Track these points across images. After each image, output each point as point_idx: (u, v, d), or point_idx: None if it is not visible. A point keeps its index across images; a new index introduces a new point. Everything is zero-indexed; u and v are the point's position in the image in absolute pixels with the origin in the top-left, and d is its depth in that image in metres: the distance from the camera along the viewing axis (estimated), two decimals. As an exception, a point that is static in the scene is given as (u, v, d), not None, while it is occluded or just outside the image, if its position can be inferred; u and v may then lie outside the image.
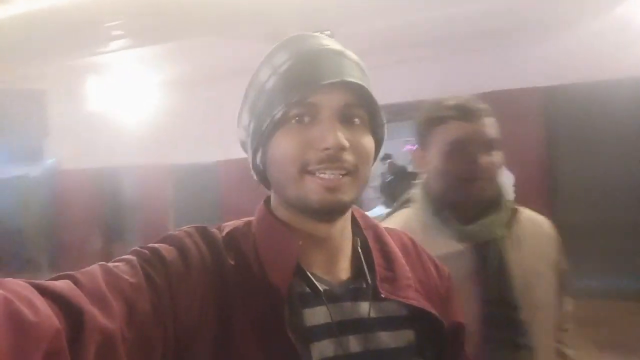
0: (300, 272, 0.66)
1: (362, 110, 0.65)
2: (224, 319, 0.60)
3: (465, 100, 1.13)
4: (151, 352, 0.54)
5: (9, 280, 0.47)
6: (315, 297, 0.65)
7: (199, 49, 3.90)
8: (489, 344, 1.06)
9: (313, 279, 0.66)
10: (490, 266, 1.08)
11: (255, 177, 0.72)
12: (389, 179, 5.79)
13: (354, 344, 0.65)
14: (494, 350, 1.06)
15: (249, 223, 0.71)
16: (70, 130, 4.82)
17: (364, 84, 0.63)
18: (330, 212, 0.65)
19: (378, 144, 0.69)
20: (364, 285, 0.69)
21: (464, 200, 1.11)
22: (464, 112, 1.10)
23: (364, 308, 0.67)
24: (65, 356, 0.45)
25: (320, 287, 0.65)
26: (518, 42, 3.67)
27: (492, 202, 1.13)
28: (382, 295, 0.67)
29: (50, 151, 5.65)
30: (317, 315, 0.64)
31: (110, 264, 0.58)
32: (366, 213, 0.80)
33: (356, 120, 0.64)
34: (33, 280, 0.49)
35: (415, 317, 0.69)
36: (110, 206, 5.40)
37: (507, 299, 1.07)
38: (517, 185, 3.74)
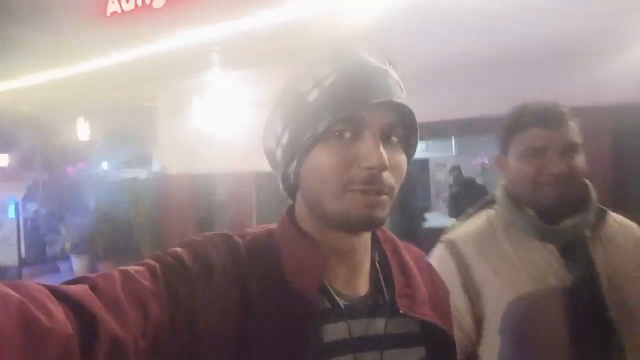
0: (321, 286, 0.65)
1: (401, 129, 0.66)
2: (244, 330, 0.59)
3: (546, 105, 1.12)
4: (166, 358, 0.53)
5: (28, 284, 0.46)
6: (335, 313, 0.64)
7: (283, 73, 4.52)
8: (580, 343, 1.04)
9: (335, 295, 0.65)
10: (579, 266, 1.07)
11: (281, 185, 0.72)
12: (455, 190, 6.01)
13: (373, 359, 0.65)
14: (585, 350, 1.04)
15: (270, 232, 0.70)
16: (175, 141, 5.66)
17: (406, 103, 0.64)
18: (367, 228, 0.66)
19: (408, 162, 0.70)
20: (382, 301, 0.69)
21: (548, 202, 1.09)
22: (544, 118, 1.09)
23: (381, 324, 0.67)
24: None
25: (341, 303, 0.65)
26: (589, 59, 3.71)
27: (578, 204, 1.11)
28: (401, 312, 0.67)
29: (158, 158, 6.58)
30: (336, 331, 0.63)
31: (132, 269, 0.57)
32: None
33: (394, 139, 0.65)
34: (50, 284, 0.49)
35: (426, 333, 0.69)
36: (204, 206, 6.10)
37: (597, 299, 1.05)
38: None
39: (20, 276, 7.67)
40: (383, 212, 0.63)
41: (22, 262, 7.98)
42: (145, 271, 0.57)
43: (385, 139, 0.64)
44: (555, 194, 1.07)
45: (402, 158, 0.67)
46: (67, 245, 7.80)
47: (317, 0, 3.23)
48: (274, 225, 0.71)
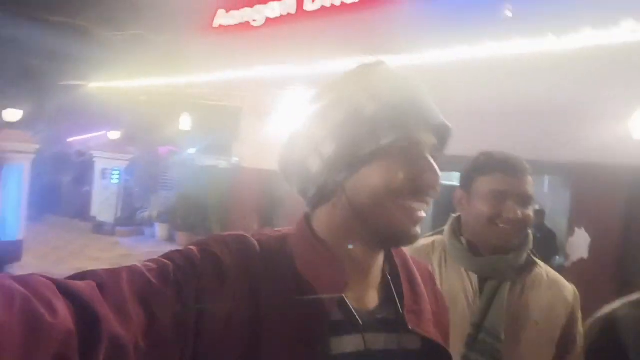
0: (339, 298, 0.64)
1: (441, 151, 0.68)
2: (253, 336, 0.58)
3: (511, 156, 1.19)
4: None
5: (34, 278, 0.47)
6: (345, 326, 0.63)
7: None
8: None
9: (352, 309, 0.64)
10: (485, 296, 1.15)
11: (310, 193, 0.68)
12: None
13: None
14: None
15: (284, 237, 0.69)
16: (253, 139, 6.62)
17: (451, 126, 0.67)
18: (408, 244, 0.66)
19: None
20: (392, 316, 0.67)
21: (498, 242, 1.17)
22: (510, 167, 1.16)
23: (389, 339, 0.66)
24: (74, 359, 0.44)
25: (357, 317, 0.64)
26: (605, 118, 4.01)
27: (513, 247, 1.18)
28: (410, 328, 0.66)
29: (236, 151, 7.57)
30: (344, 344, 0.62)
31: (143, 266, 0.56)
32: None
33: (438, 160, 0.67)
34: (58, 279, 0.49)
35: (427, 350, 0.68)
36: (267, 198, 6.74)
37: (492, 328, 1.11)
38: (592, 246, 4.23)
39: (113, 233, 9.21)
40: (420, 230, 0.65)
41: (117, 222, 9.51)
42: (156, 270, 0.56)
43: (435, 159, 0.66)
44: (506, 236, 1.16)
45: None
46: (154, 214, 9.15)
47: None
48: (288, 229, 0.71)
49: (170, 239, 8.75)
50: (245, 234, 0.66)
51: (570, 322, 1.18)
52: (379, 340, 0.65)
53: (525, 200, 1.17)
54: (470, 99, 4.17)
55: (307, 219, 0.70)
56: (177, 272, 0.57)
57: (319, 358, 0.60)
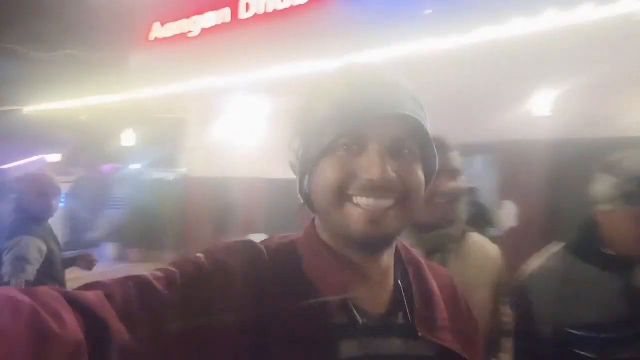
0: (342, 301, 0.64)
1: (413, 141, 0.64)
2: (260, 341, 0.58)
3: (434, 137, 1.16)
4: None
5: (42, 290, 0.47)
6: (352, 329, 0.63)
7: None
8: None
9: (355, 311, 0.63)
10: None
11: (301, 200, 0.70)
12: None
13: None
14: None
15: (293, 242, 0.69)
16: (200, 149, 6.71)
17: (416, 115, 0.62)
18: (373, 244, 0.64)
19: (430, 175, 0.68)
20: (401, 322, 0.67)
21: (438, 216, 1.26)
22: (436, 147, 1.19)
23: (397, 345, 0.65)
24: None
25: (360, 320, 0.64)
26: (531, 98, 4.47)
27: (450, 220, 1.27)
28: (420, 334, 0.65)
29: (184, 162, 7.58)
30: (350, 347, 0.62)
31: (151, 274, 0.56)
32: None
33: (406, 151, 0.63)
34: (65, 290, 0.49)
35: (440, 358, 0.67)
36: (220, 207, 6.71)
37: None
38: (520, 214, 4.69)
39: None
40: (390, 227, 0.62)
41: (66, 246, 9.15)
42: (164, 278, 0.56)
43: (394, 151, 0.63)
44: (444, 210, 1.24)
45: (416, 170, 0.64)
46: (103, 234, 8.95)
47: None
48: (296, 235, 0.71)
49: (122, 257, 8.64)
50: (252, 241, 0.67)
51: (499, 277, 1.33)
52: (384, 346, 0.64)
53: (453, 173, 1.28)
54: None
55: (313, 223, 0.71)
56: (184, 280, 0.57)
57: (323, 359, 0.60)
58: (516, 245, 3.16)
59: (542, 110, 4.38)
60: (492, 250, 1.39)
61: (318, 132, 0.63)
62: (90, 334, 0.46)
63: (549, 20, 3.67)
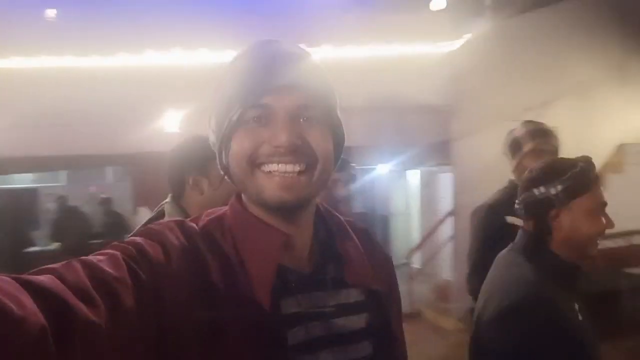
0: (273, 266, 0.66)
1: (318, 110, 0.66)
2: (210, 312, 0.60)
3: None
4: (135, 347, 0.53)
5: None
6: (288, 288, 0.66)
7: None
8: None
9: (286, 272, 0.67)
10: None
11: (225, 176, 0.72)
12: (57, 217, 6.53)
13: (320, 329, 0.67)
14: None
15: (221, 217, 0.71)
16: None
17: (318, 84, 0.66)
18: (288, 210, 0.67)
19: (338, 144, 0.72)
20: (329, 274, 0.71)
21: None
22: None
23: (329, 295, 0.69)
24: (51, 351, 0.44)
25: (292, 279, 0.67)
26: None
27: None
28: (348, 282, 0.71)
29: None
30: (289, 305, 0.65)
31: (93, 258, 0.56)
32: None
33: (312, 119, 0.66)
34: (17, 275, 0.48)
35: (368, 301, 0.72)
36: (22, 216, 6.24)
37: None
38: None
39: None
40: (303, 192, 0.65)
41: None
42: (108, 260, 0.56)
43: (302, 119, 0.65)
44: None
45: (323, 136, 0.67)
46: None
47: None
48: (222, 210, 0.73)
49: None
50: (183, 219, 0.69)
51: None
52: (320, 298, 0.68)
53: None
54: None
55: (238, 196, 0.73)
56: (128, 260, 0.57)
57: (268, 323, 0.62)
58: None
59: (172, 127, 5.05)
60: None
61: (227, 108, 0.65)
62: (50, 315, 0.45)
63: (177, 57, 4.87)
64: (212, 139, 0.71)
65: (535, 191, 1.19)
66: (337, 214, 0.79)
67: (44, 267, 0.52)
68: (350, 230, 0.78)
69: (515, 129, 2.03)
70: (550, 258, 1.18)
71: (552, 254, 1.18)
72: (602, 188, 1.19)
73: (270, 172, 0.64)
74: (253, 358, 0.61)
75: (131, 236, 0.66)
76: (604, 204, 1.18)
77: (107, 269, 0.54)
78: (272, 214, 0.68)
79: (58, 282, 0.49)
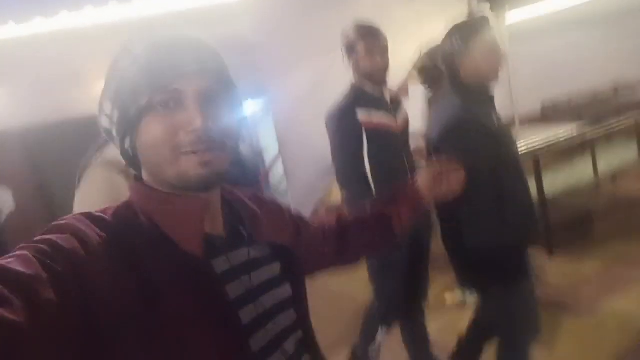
0: (200, 235, 0.71)
1: (222, 91, 0.70)
2: (144, 287, 0.60)
3: None
4: (64, 342, 0.51)
5: None
6: (214, 250, 0.72)
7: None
8: None
9: (209, 237, 0.73)
10: None
11: (124, 161, 0.73)
12: None
13: (248, 281, 0.74)
14: None
15: (127, 204, 0.71)
16: None
17: (218, 65, 0.70)
18: (208, 186, 0.70)
19: (238, 122, 0.75)
20: (241, 234, 0.79)
21: None
22: None
23: (245, 252, 0.77)
24: None
25: (216, 242, 0.73)
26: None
27: None
28: (257, 240, 0.80)
29: None
30: (220, 264, 0.71)
31: (2, 260, 0.54)
32: None
33: (219, 101, 0.69)
34: None
35: (277, 252, 0.83)
36: None
37: None
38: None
39: None
40: (220, 167, 0.69)
41: None
42: (16, 260, 0.53)
43: (209, 103, 0.67)
44: None
45: (227, 112, 0.70)
46: None
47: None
48: (123, 200, 0.73)
49: None
50: (89, 211, 0.67)
51: None
52: (240, 254, 0.76)
53: None
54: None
55: (139, 180, 0.74)
56: (39, 256, 0.55)
57: (209, 280, 0.68)
58: (19, 229, 3.49)
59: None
60: None
61: (132, 93, 0.65)
62: None
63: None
64: (106, 124, 0.71)
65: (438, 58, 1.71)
66: (230, 187, 0.85)
67: None
68: (243, 196, 0.86)
69: (348, 32, 2.20)
70: (465, 87, 1.61)
71: (465, 84, 1.62)
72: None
73: (190, 153, 0.66)
74: (200, 320, 0.63)
75: (39, 235, 0.62)
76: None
77: (18, 268, 0.52)
78: (190, 189, 0.70)
79: None
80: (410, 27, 5.77)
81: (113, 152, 1.13)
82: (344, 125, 2.11)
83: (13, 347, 0.46)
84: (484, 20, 1.62)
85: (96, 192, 1.22)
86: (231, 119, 0.71)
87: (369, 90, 2.17)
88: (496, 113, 1.67)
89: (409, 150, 2.30)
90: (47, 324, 0.50)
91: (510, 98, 4.77)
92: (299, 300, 0.83)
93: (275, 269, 0.81)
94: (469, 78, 1.62)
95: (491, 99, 1.67)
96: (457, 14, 1.78)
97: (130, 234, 0.65)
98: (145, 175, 0.73)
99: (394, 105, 2.25)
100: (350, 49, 2.15)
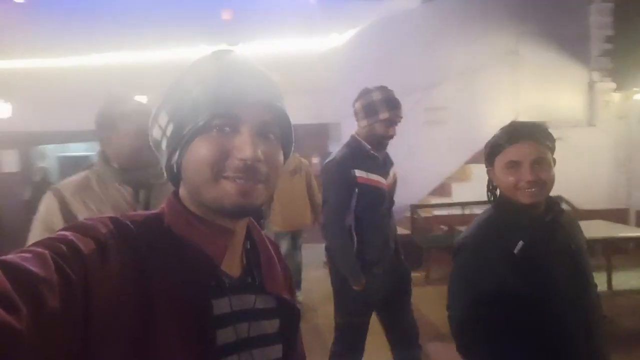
0: (213, 267, 0.69)
1: (277, 127, 0.71)
2: (144, 309, 0.59)
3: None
4: (58, 350, 0.51)
5: None
6: (221, 289, 0.70)
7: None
8: None
9: (221, 274, 0.71)
10: (142, 201, 1.48)
11: (165, 174, 0.74)
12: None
13: (244, 330, 0.71)
14: None
15: (157, 215, 0.72)
16: None
17: (281, 104, 0.71)
18: (242, 214, 0.71)
19: (285, 158, 0.76)
20: (251, 280, 0.77)
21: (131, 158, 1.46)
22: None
23: (253, 299, 0.74)
24: None
25: (226, 282, 0.71)
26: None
27: (148, 162, 1.44)
28: (268, 290, 0.76)
29: None
30: (221, 305, 0.69)
31: (18, 257, 0.53)
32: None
33: (271, 135, 0.70)
34: None
35: (281, 308, 0.79)
36: None
37: None
38: None
39: None
40: (257, 200, 0.68)
41: None
42: (33, 258, 0.53)
43: (262, 135, 0.69)
44: (142, 155, 1.41)
45: (279, 153, 0.72)
46: None
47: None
48: (157, 210, 0.73)
49: None
50: (116, 216, 0.67)
51: None
52: (245, 301, 0.73)
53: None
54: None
55: (176, 195, 0.74)
56: (56, 258, 0.54)
57: (202, 321, 0.64)
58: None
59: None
60: None
61: (192, 112, 0.67)
62: None
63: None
64: (157, 135, 0.72)
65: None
66: (258, 227, 0.84)
67: None
68: (267, 240, 0.84)
69: (373, 92, 2.23)
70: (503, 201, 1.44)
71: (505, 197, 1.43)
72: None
73: (232, 180, 0.66)
74: (182, 357, 0.61)
75: (61, 230, 0.62)
76: (513, 162, 1.37)
77: (32, 268, 0.51)
78: (221, 216, 0.70)
79: None
80: (503, 96, 6.02)
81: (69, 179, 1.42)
82: (341, 179, 2.22)
83: (10, 353, 0.45)
84: None
85: (38, 217, 1.44)
86: (279, 160, 0.72)
87: (369, 149, 2.28)
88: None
89: (392, 205, 2.43)
90: (46, 335, 0.50)
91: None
92: None
93: (274, 325, 0.78)
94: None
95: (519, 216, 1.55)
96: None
97: (147, 248, 0.64)
98: (182, 193, 0.74)
99: (386, 163, 2.39)
100: (370, 111, 2.23)
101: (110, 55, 6.07)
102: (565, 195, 5.60)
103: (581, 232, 1.51)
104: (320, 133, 7.21)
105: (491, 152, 1.44)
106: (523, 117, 5.74)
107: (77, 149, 9.65)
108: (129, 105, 1.49)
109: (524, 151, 1.35)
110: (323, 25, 6.23)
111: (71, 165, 8.75)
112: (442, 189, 6.22)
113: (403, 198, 4.06)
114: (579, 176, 5.80)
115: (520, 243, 1.34)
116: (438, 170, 6.09)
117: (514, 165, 1.37)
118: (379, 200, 2.28)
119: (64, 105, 6.09)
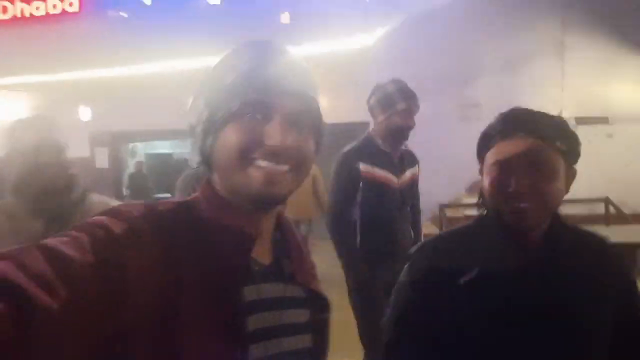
0: (245, 252, 0.70)
1: (309, 118, 0.70)
2: (176, 294, 0.60)
3: None
4: (92, 331, 0.52)
5: None
6: (252, 276, 0.70)
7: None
8: None
9: (252, 261, 0.71)
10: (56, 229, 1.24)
11: (198, 159, 0.74)
12: None
13: (275, 318, 0.71)
14: None
15: (189, 202, 0.72)
16: None
17: (314, 94, 0.71)
18: (268, 202, 0.70)
19: (317, 150, 0.75)
20: (282, 269, 0.76)
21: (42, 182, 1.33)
22: None
23: (283, 288, 0.74)
24: (10, 338, 0.45)
25: (255, 268, 0.71)
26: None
27: (65, 186, 1.37)
28: (298, 281, 0.76)
29: None
30: (252, 292, 0.68)
31: (57, 241, 0.55)
32: None
33: (302, 125, 0.69)
34: None
35: (311, 299, 0.78)
36: None
37: None
38: None
39: None
40: (284, 190, 0.68)
41: None
42: (71, 242, 0.55)
43: (294, 124, 0.68)
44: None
45: (310, 143, 0.72)
46: None
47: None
48: (191, 197, 0.74)
49: None
50: (150, 202, 0.69)
51: None
52: (273, 290, 0.73)
53: None
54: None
55: (209, 182, 0.74)
56: (93, 242, 0.56)
57: (233, 305, 0.65)
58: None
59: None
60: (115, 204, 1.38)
61: (226, 98, 0.67)
62: (9, 304, 0.46)
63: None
64: (193, 120, 0.72)
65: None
66: (287, 218, 0.83)
67: (4, 252, 0.52)
68: (296, 230, 0.84)
69: (386, 85, 2.19)
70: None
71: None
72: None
73: (260, 167, 0.66)
74: (211, 344, 0.62)
75: (98, 215, 0.63)
76: (500, 161, 0.96)
77: (69, 252, 0.53)
78: (249, 203, 0.70)
79: (14, 269, 0.49)
80: (550, 88, 5.76)
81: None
82: (345, 171, 2.21)
83: (47, 332, 0.48)
84: None
85: None
86: (310, 150, 0.72)
87: (379, 144, 2.25)
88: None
89: (415, 208, 2.38)
90: (81, 316, 0.51)
91: None
92: (316, 356, 0.79)
93: (304, 315, 0.77)
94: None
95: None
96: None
97: (182, 231, 0.65)
98: (215, 179, 0.74)
99: (403, 161, 2.31)
100: (387, 104, 2.19)
101: (180, 63, 6.45)
102: (613, 198, 5.24)
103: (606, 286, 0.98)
104: (350, 132, 7.23)
105: (481, 145, 1.03)
106: (569, 113, 5.41)
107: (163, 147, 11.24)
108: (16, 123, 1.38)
109: (516, 149, 0.94)
110: (374, 21, 6.09)
111: (157, 161, 10.64)
112: (477, 188, 5.85)
113: (433, 195, 3.95)
114: (632, 177, 5.32)
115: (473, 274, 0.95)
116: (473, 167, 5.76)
117: (501, 166, 0.96)
118: (385, 198, 2.22)
119: (145, 107, 6.47)
